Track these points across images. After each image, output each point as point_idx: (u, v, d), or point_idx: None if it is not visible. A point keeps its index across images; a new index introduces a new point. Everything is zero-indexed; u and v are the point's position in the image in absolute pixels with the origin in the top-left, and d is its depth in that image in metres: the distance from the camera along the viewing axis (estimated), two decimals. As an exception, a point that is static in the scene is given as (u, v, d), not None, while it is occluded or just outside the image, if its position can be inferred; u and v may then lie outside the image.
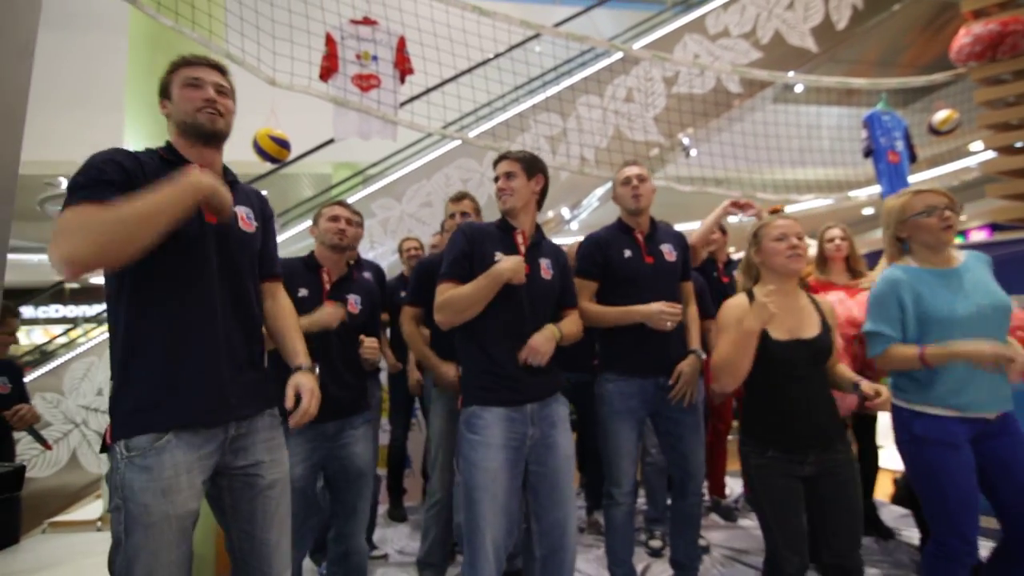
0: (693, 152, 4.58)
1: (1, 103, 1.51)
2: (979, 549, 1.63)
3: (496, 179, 1.78)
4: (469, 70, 3.86)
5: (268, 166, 3.57)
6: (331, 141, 3.79)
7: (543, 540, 1.67)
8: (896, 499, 3.19)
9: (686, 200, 4.42)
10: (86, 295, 12.31)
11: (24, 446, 2.98)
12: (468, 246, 1.70)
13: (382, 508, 3.17)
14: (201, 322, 1.19)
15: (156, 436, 1.13)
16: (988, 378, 1.60)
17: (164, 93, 1.29)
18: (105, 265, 1.09)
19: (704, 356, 2.04)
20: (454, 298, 1.64)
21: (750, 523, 2.98)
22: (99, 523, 3.20)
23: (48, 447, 2.78)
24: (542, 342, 1.64)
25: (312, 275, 1.94)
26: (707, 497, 3.19)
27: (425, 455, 2.93)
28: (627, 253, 2.04)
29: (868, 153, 3.90)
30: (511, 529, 1.62)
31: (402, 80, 3.32)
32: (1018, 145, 3.88)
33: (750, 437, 1.65)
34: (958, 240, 2.80)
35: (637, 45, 4.52)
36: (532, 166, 1.78)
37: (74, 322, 11.30)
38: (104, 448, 1.19)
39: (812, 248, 2.71)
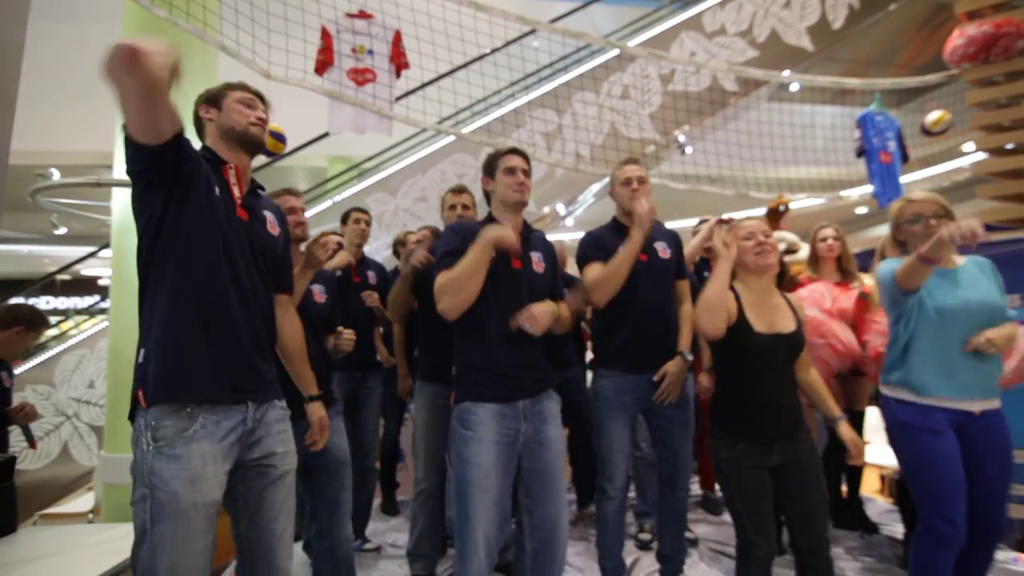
0: (689, 150, 4.60)
1: (-8, 94, 1.51)
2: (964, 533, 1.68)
3: (511, 170, 1.76)
4: (465, 65, 3.85)
5: (263, 159, 3.56)
6: (326, 135, 3.78)
7: (535, 534, 1.69)
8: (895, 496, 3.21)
9: (680, 197, 4.44)
10: (77, 287, 12.23)
11: (14, 439, 2.97)
12: (461, 242, 1.71)
13: (375, 502, 3.19)
14: (233, 306, 1.27)
15: (183, 427, 1.17)
16: (968, 366, 1.69)
17: (213, 102, 1.43)
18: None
19: (691, 358, 2.06)
20: (451, 277, 1.62)
21: (739, 518, 3.02)
22: (91, 515, 3.20)
23: (33, 446, 2.78)
24: (542, 311, 1.65)
25: None
26: (698, 492, 3.22)
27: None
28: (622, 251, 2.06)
29: (861, 153, 3.92)
30: (503, 524, 1.63)
31: (398, 75, 3.31)
32: (1009, 147, 3.91)
33: (721, 431, 1.72)
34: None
35: (634, 42, 4.52)
36: (529, 167, 1.82)
37: (65, 314, 11.23)
38: (131, 416, 1.23)
39: (804, 250, 2.74)
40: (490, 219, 1.81)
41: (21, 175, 6.08)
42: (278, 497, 1.32)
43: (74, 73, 5.59)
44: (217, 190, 1.31)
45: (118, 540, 2.15)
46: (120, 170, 3.13)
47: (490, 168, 1.81)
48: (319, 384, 1.88)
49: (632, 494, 3.01)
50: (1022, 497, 2.76)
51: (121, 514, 2.61)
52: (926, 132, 3.90)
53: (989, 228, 3.73)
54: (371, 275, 2.83)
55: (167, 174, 1.22)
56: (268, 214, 1.45)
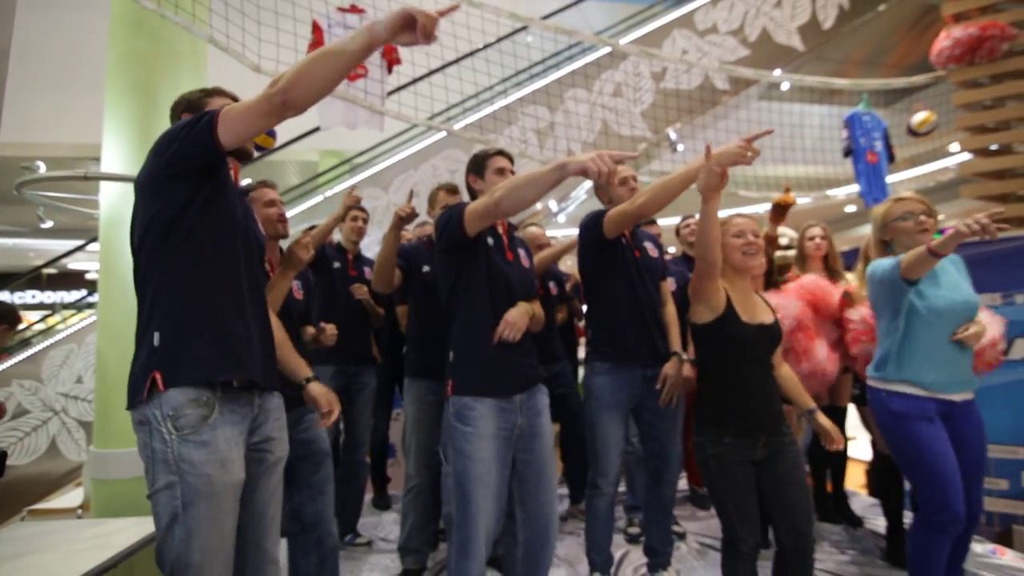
0: (680, 147, 4.63)
1: (-23, 87, 1.50)
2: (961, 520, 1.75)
3: (501, 170, 1.80)
4: (457, 61, 3.85)
5: (254, 153, 3.53)
6: (317, 129, 3.76)
7: (528, 524, 1.73)
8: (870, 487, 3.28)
9: (671, 195, 4.46)
10: (63, 281, 12.07)
11: (2, 432, 2.95)
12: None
13: (367, 496, 3.20)
14: (243, 294, 1.31)
15: (204, 415, 1.18)
16: (953, 360, 1.82)
17: (193, 109, 1.40)
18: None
19: (686, 357, 2.09)
20: (514, 185, 1.56)
21: (726, 512, 3.06)
22: (79, 511, 3.18)
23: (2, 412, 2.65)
24: (517, 316, 1.68)
25: None
26: (685, 486, 3.27)
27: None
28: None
29: (848, 153, 3.98)
30: (499, 516, 1.67)
31: (389, 70, 3.30)
32: (993, 148, 3.98)
33: (707, 425, 1.74)
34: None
35: (627, 39, 4.53)
36: (514, 169, 1.87)
37: (51, 308, 11.09)
38: (134, 403, 1.20)
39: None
40: None
41: (6, 167, 5.99)
42: (271, 483, 1.35)
43: (60, 63, 5.51)
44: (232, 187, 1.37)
45: (108, 535, 2.14)
46: (108, 163, 3.09)
47: (478, 168, 1.84)
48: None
49: (622, 488, 3.05)
50: (1002, 491, 2.83)
51: (110, 509, 2.59)
52: (912, 133, 3.95)
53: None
54: (367, 271, 2.84)
55: (210, 168, 1.26)
56: (255, 214, 1.50)
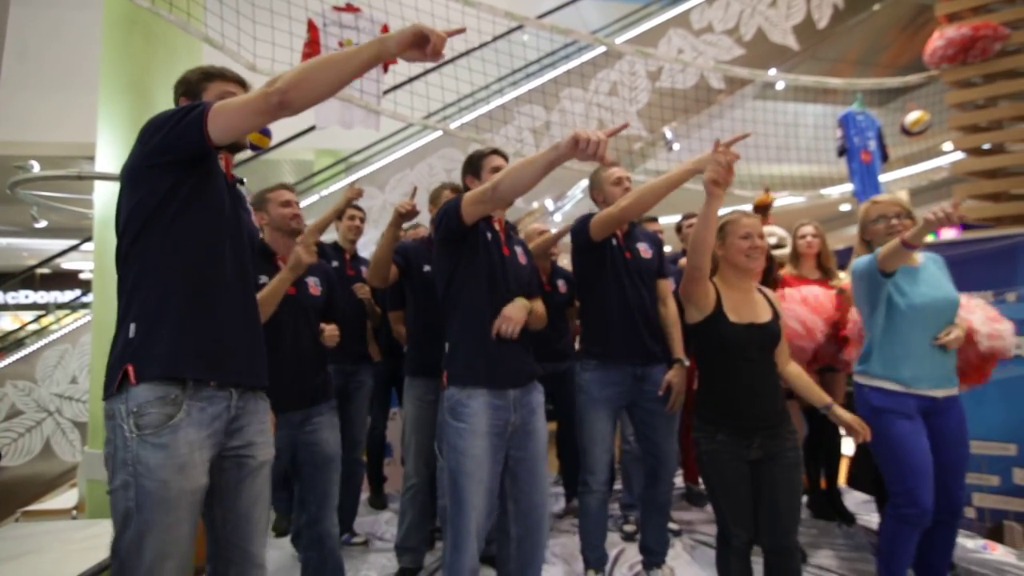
0: (676, 146, 4.64)
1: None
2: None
3: (497, 169, 1.80)
4: (453, 59, 3.85)
5: (249, 152, 3.52)
6: (313, 128, 3.75)
7: (520, 520, 1.74)
8: (851, 481, 3.31)
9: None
10: (57, 281, 12.00)
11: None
12: None
13: (363, 496, 3.20)
14: (228, 288, 1.27)
15: (168, 415, 1.15)
16: (933, 356, 1.88)
17: (191, 96, 1.38)
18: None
19: (687, 363, 2.10)
20: (511, 169, 1.55)
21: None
22: (74, 512, 3.17)
23: None
24: (514, 311, 1.68)
25: (267, 263, 1.93)
26: (681, 485, 3.28)
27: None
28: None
29: (842, 152, 4.00)
30: (492, 512, 1.68)
31: (385, 69, 3.30)
32: (986, 147, 4.01)
33: (702, 421, 1.76)
34: (931, 238, 2.96)
35: (623, 38, 4.54)
36: None
37: (45, 308, 11.03)
38: (107, 395, 1.18)
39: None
40: None
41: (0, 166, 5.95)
42: (254, 488, 1.31)
43: (54, 61, 5.48)
44: (222, 179, 1.32)
45: (103, 536, 2.13)
46: (102, 162, 3.08)
47: (474, 168, 1.85)
48: (319, 380, 1.93)
49: (618, 486, 3.06)
50: (993, 487, 2.85)
51: (106, 510, 2.58)
52: (906, 132, 3.98)
53: (965, 227, 3.83)
54: (364, 270, 2.84)
55: (193, 161, 1.22)
56: (249, 205, 1.48)
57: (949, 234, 4.07)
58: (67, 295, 11.70)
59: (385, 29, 3.29)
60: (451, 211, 1.66)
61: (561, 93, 4.36)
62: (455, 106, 4.45)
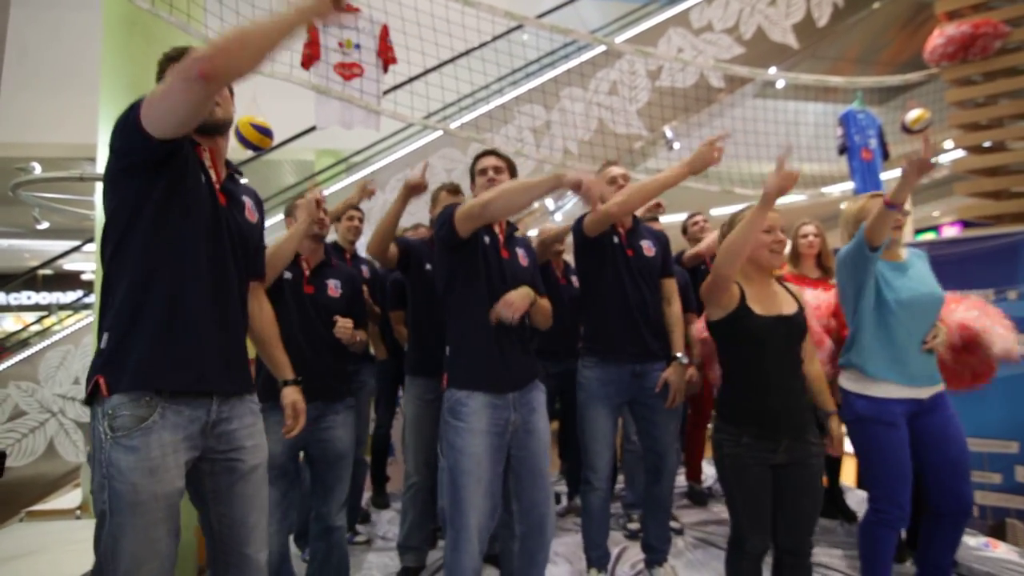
0: (676, 145, 4.63)
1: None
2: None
3: (483, 171, 1.83)
4: (453, 59, 3.85)
5: (250, 153, 3.52)
6: (313, 128, 3.75)
7: (524, 518, 1.76)
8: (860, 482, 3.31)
9: (667, 193, 4.47)
10: (59, 282, 12.02)
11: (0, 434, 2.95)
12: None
13: (366, 495, 3.21)
14: (209, 294, 1.24)
15: (141, 417, 1.13)
16: (921, 357, 1.90)
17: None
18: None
19: (687, 361, 2.11)
20: (506, 190, 1.60)
21: (721, 508, 3.09)
22: (78, 512, 3.18)
23: None
24: (516, 297, 1.67)
25: (291, 264, 1.95)
26: (683, 483, 3.28)
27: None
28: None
29: (843, 150, 3.99)
30: (493, 512, 1.68)
31: (385, 69, 3.30)
32: (986, 145, 4.00)
33: (726, 423, 1.71)
34: (931, 235, 2.96)
35: (622, 37, 4.54)
36: (512, 168, 1.89)
37: (47, 309, 11.05)
38: (89, 400, 1.18)
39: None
40: None
41: (1, 168, 5.97)
42: (248, 491, 1.29)
43: (54, 62, 5.48)
44: (203, 177, 1.27)
45: (106, 536, 2.14)
46: (104, 164, 3.08)
47: (471, 172, 1.90)
48: (336, 378, 1.95)
49: (621, 485, 3.07)
50: (995, 485, 2.86)
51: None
52: (906, 130, 3.97)
53: (966, 224, 3.82)
54: (364, 270, 2.85)
55: (159, 160, 1.17)
56: (246, 199, 1.41)
57: (950, 232, 4.06)
58: (69, 296, 11.73)
59: (384, 30, 3.29)
60: (446, 224, 1.68)
61: (561, 92, 4.35)
62: (455, 106, 4.45)
